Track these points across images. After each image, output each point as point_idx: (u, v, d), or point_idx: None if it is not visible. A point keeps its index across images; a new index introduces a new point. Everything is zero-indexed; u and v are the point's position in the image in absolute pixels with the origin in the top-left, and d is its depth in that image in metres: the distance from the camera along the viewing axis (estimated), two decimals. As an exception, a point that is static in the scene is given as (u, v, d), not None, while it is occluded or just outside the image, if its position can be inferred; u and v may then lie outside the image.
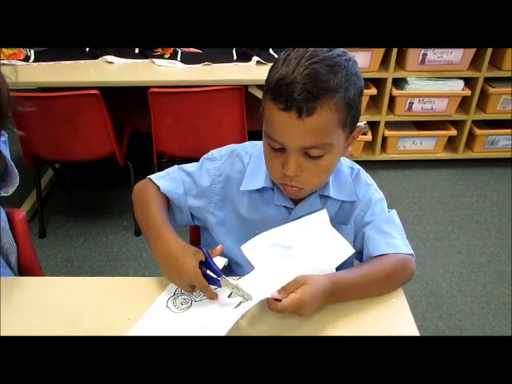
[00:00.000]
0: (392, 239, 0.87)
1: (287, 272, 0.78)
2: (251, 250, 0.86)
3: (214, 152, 0.94)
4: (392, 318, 0.81)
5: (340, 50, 0.74)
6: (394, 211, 0.93)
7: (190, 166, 0.94)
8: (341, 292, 0.80)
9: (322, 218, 0.87)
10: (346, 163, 0.93)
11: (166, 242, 0.81)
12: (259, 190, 0.89)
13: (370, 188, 0.93)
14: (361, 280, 0.82)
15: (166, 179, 0.92)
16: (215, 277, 0.79)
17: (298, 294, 0.73)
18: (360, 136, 2.62)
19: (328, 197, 0.89)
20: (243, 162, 0.91)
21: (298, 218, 0.89)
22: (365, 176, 0.94)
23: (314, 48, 0.72)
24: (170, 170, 0.95)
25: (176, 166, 0.95)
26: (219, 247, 0.83)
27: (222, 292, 0.81)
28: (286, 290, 0.74)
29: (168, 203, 0.92)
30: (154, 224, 0.84)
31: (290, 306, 0.73)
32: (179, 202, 0.92)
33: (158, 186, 0.90)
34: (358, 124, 0.81)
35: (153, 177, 0.93)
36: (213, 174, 0.92)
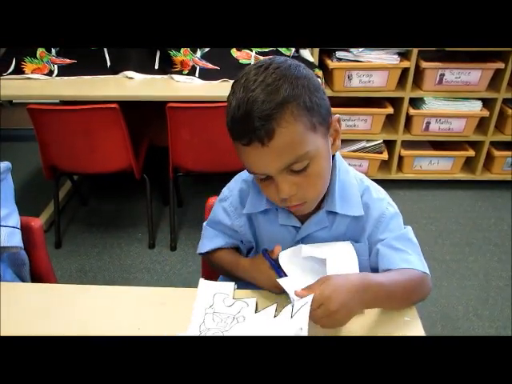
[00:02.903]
0: (407, 256, 0.85)
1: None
2: (288, 257, 0.86)
3: (225, 190, 0.97)
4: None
5: (279, 61, 0.73)
6: (409, 228, 0.90)
7: (212, 215, 0.99)
8: (374, 290, 0.76)
9: (349, 249, 0.86)
10: (355, 175, 0.90)
11: (247, 273, 0.91)
12: (264, 212, 0.90)
13: (382, 202, 0.88)
14: (389, 283, 0.79)
15: (209, 240, 0.98)
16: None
17: (320, 288, 0.71)
18: (376, 155, 2.60)
19: (335, 213, 0.86)
20: (249, 185, 0.92)
21: (306, 235, 0.88)
22: (376, 190, 0.90)
23: (256, 69, 0.72)
24: (204, 233, 1.00)
25: (204, 224, 1.01)
26: (276, 249, 0.86)
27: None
28: (309, 288, 0.73)
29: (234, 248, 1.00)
30: (237, 271, 0.94)
31: (312, 303, 0.70)
32: (236, 242, 0.98)
33: (212, 249, 0.98)
34: (333, 117, 0.79)
35: (202, 249, 0.99)
36: (230, 212, 0.94)
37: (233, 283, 0.90)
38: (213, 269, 1.04)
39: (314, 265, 0.85)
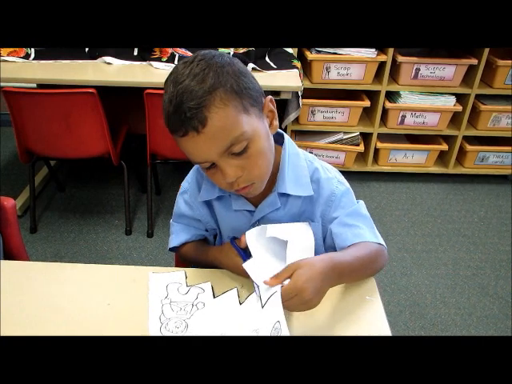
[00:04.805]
0: (359, 230, 0.88)
1: (279, 264, 0.82)
2: (254, 236, 0.87)
3: (184, 183, 0.99)
4: (366, 315, 0.83)
5: (203, 53, 0.76)
6: (361, 202, 0.93)
7: (176, 210, 1.01)
8: (339, 269, 0.79)
9: (307, 230, 0.89)
10: (305, 157, 0.92)
11: (217, 260, 0.94)
12: (219, 199, 0.93)
13: (331, 182, 0.91)
14: (351, 260, 0.83)
15: (176, 235, 1.01)
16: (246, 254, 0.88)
17: (292, 280, 0.73)
18: (353, 147, 2.65)
19: (288, 195, 0.89)
20: (202, 174, 0.94)
21: (261, 218, 0.91)
22: (324, 170, 0.92)
23: (183, 64, 0.74)
24: (172, 229, 1.03)
25: (170, 221, 1.04)
26: (242, 238, 0.88)
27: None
28: (277, 276, 0.75)
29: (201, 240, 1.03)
30: (207, 259, 0.97)
31: (285, 294, 0.72)
32: (201, 233, 1.01)
33: (181, 243, 1.00)
34: (266, 98, 0.81)
35: (171, 244, 1.02)
36: (191, 203, 0.97)
37: (183, 271, 0.92)
38: (184, 262, 1.07)
39: (275, 245, 0.87)
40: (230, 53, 2.14)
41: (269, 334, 0.71)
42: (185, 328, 0.80)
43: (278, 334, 0.70)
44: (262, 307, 0.75)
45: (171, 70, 0.77)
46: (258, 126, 0.78)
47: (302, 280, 0.72)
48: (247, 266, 0.83)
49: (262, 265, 0.83)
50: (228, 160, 0.76)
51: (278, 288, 0.73)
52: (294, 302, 0.72)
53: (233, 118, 0.73)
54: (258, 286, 0.79)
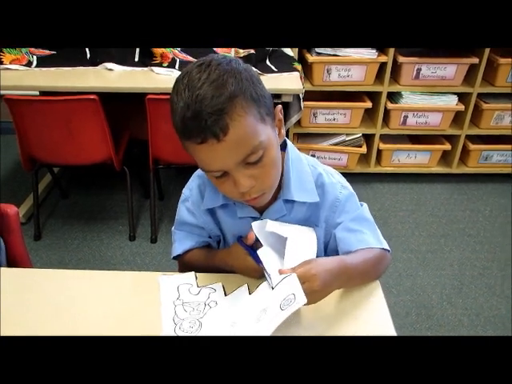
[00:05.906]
0: (362, 235, 0.88)
1: (279, 262, 0.83)
2: (258, 227, 0.87)
3: (185, 191, 0.98)
4: (370, 315, 0.83)
5: (219, 57, 0.73)
6: (364, 205, 0.93)
7: (178, 217, 1.00)
8: (349, 273, 0.81)
9: (310, 234, 0.89)
10: (308, 162, 0.92)
11: (225, 262, 0.93)
12: (223, 206, 0.92)
13: (335, 186, 0.91)
14: (359, 265, 0.84)
15: (180, 242, 1.00)
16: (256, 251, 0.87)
17: (304, 268, 0.75)
18: (355, 148, 2.65)
19: (293, 201, 0.88)
20: (205, 180, 0.93)
21: None
22: (328, 175, 0.92)
23: (197, 68, 0.71)
24: (174, 237, 1.02)
25: (172, 229, 1.03)
26: (250, 236, 0.87)
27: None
28: (294, 269, 0.76)
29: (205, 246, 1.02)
30: (214, 263, 0.95)
31: (301, 274, 0.73)
32: (204, 240, 1.00)
33: (184, 251, 0.99)
34: (276, 107, 0.80)
35: (174, 252, 1.01)
36: (194, 210, 0.96)
37: (193, 272, 0.91)
38: (188, 269, 1.04)
39: (275, 241, 0.87)
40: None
41: (278, 308, 0.72)
42: (199, 327, 0.80)
43: (290, 304, 0.71)
44: (273, 288, 0.76)
45: (176, 75, 0.76)
46: (271, 135, 0.77)
47: (315, 269, 0.75)
48: (261, 252, 0.84)
49: (273, 258, 0.84)
50: (242, 170, 0.74)
51: (292, 274, 0.75)
52: (303, 288, 0.72)
53: (253, 127, 0.72)
54: (269, 275, 0.80)
